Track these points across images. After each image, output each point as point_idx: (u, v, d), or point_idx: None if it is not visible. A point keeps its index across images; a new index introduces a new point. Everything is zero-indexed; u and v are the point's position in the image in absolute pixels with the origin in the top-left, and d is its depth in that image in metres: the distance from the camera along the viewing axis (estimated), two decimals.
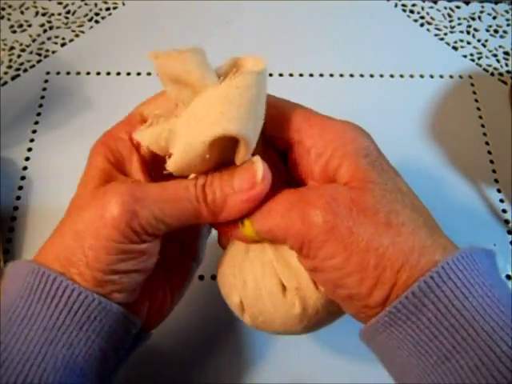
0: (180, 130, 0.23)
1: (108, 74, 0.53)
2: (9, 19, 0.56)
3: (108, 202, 0.23)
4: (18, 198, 0.45)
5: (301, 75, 0.53)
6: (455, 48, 0.55)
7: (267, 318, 0.27)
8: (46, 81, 0.52)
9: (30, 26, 0.56)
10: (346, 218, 0.22)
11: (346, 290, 0.23)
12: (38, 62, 0.53)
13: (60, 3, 0.57)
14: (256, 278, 0.27)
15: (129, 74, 0.53)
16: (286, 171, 0.28)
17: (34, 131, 0.48)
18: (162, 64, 0.24)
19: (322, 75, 0.53)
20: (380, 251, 0.22)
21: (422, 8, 0.58)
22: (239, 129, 0.22)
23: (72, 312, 0.23)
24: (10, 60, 0.53)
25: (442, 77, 0.53)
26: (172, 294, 0.30)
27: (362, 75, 0.52)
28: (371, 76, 0.53)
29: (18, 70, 0.52)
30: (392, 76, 0.53)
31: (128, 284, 0.24)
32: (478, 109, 0.51)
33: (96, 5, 0.57)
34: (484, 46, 0.55)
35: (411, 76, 0.53)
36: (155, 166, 0.26)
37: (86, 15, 0.57)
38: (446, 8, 0.58)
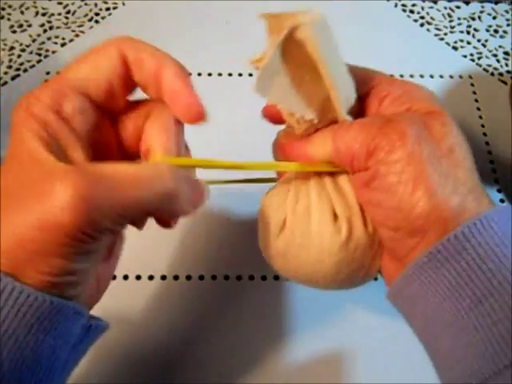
0: None
1: None
2: (9, 19, 0.56)
3: (58, 198, 0.20)
4: None
5: None
6: (455, 48, 0.55)
7: (305, 241, 0.27)
8: (46, 81, 0.52)
9: (30, 26, 0.56)
10: (416, 132, 0.24)
11: (396, 198, 0.23)
12: (38, 62, 0.53)
13: (60, 3, 0.57)
14: (310, 200, 0.27)
15: None
16: None
17: None
18: (271, 22, 0.24)
19: None
20: (438, 169, 0.23)
21: (422, 8, 0.58)
22: None
23: (20, 315, 0.21)
24: (10, 60, 0.53)
25: (441, 77, 0.53)
26: (106, 269, 0.28)
27: None
28: None
29: (18, 70, 0.52)
30: (392, 76, 0.53)
31: (83, 279, 0.23)
32: (478, 109, 0.51)
33: (96, 5, 0.57)
34: (484, 45, 0.55)
35: (411, 76, 0.53)
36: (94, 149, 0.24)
37: (86, 15, 0.57)
38: (446, 8, 0.58)
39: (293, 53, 0.23)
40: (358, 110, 0.28)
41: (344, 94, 0.25)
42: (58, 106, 0.24)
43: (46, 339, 0.22)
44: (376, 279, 0.29)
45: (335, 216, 0.27)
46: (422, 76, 0.53)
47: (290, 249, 0.27)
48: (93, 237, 0.22)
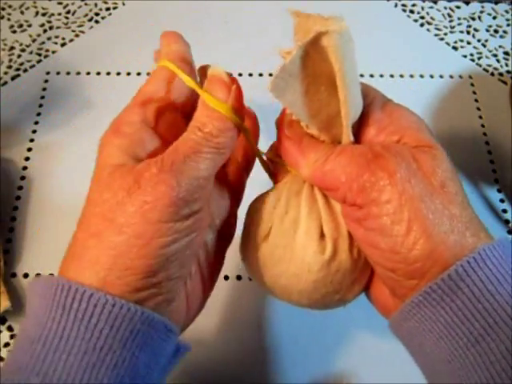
0: None
1: (108, 73, 0.53)
2: (9, 19, 0.56)
3: (145, 187, 0.22)
4: (18, 197, 0.45)
5: None
6: (455, 48, 0.55)
7: (287, 254, 0.26)
8: (46, 81, 0.52)
9: (30, 26, 0.56)
10: (406, 170, 0.23)
11: (391, 240, 0.23)
12: (38, 62, 0.53)
13: (60, 3, 0.57)
14: (299, 213, 0.27)
15: (129, 74, 0.53)
16: None
17: (34, 131, 0.48)
18: (300, 22, 0.24)
19: None
20: (431, 207, 0.22)
21: (422, 8, 0.58)
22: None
23: (114, 329, 0.21)
24: (10, 60, 0.53)
25: (441, 77, 0.53)
26: (204, 290, 0.28)
27: (362, 75, 0.52)
28: (371, 76, 0.53)
29: (18, 69, 0.52)
30: (392, 76, 0.53)
31: (169, 295, 0.23)
32: (478, 109, 0.51)
33: (96, 5, 0.57)
34: (484, 45, 0.55)
35: (411, 76, 0.53)
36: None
37: (86, 15, 0.57)
38: (446, 8, 0.58)
39: (314, 59, 0.23)
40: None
41: (354, 112, 0.25)
42: (144, 115, 0.26)
43: (140, 356, 0.22)
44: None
45: (322, 234, 0.26)
46: (421, 76, 0.53)
47: (270, 259, 0.27)
48: (186, 202, 0.22)
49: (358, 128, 0.26)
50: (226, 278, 0.41)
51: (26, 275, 0.41)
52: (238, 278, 0.41)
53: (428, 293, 0.22)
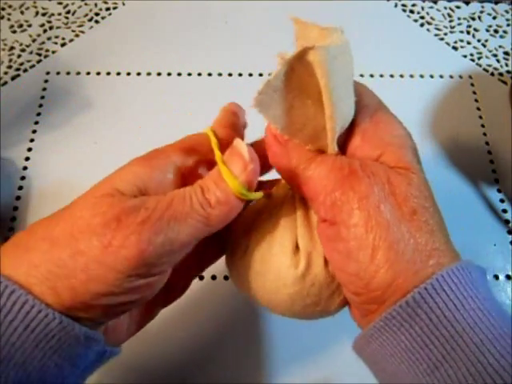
0: None
1: (108, 73, 0.53)
2: (9, 19, 0.56)
3: (120, 230, 0.22)
4: (18, 197, 0.45)
5: None
6: (455, 48, 0.55)
7: (264, 267, 0.26)
8: (46, 81, 0.52)
9: (30, 26, 0.56)
10: (377, 194, 0.23)
11: (356, 265, 0.23)
12: (38, 62, 0.53)
13: (60, 3, 0.57)
14: (277, 226, 0.27)
15: (129, 74, 0.53)
16: None
17: (34, 131, 0.48)
18: (300, 28, 0.24)
19: None
20: (398, 236, 0.22)
21: (422, 8, 0.58)
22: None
23: (29, 329, 0.21)
24: (10, 60, 0.53)
25: (441, 77, 0.53)
26: (143, 316, 0.29)
27: (362, 75, 0.52)
28: (371, 76, 0.53)
29: (18, 70, 0.52)
30: (392, 76, 0.53)
31: (104, 319, 0.24)
32: (478, 109, 0.51)
33: (96, 5, 0.57)
34: (484, 46, 0.55)
35: (411, 76, 0.53)
36: None
37: (86, 15, 0.57)
38: (446, 8, 0.58)
39: (300, 73, 0.23)
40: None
41: (341, 126, 0.24)
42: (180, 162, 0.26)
43: (53, 357, 0.22)
44: None
45: (297, 247, 0.26)
46: (422, 76, 0.53)
47: (249, 273, 0.27)
48: (151, 265, 0.22)
49: (347, 134, 0.26)
50: (214, 277, 0.41)
51: None
52: (226, 278, 0.41)
53: (388, 318, 0.22)
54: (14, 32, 0.55)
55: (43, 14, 0.57)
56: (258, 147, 0.25)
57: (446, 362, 0.21)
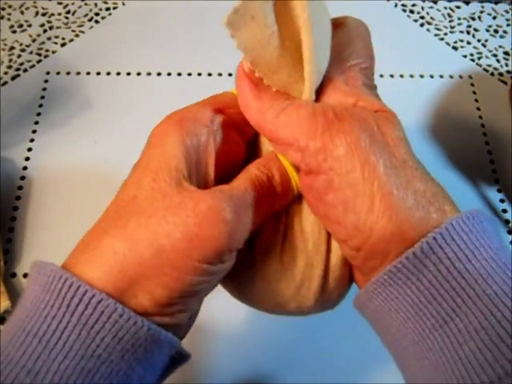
0: None
1: (108, 74, 0.53)
2: (9, 19, 0.56)
3: (208, 221, 0.20)
4: (18, 197, 0.45)
5: None
6: (455, 48, 0.55)
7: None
8: (46, 81, 0.52)
9: (30, 26, 0.56)
10: (369, 139, 0.21)
11: (354, 216, 0.21)
12: (38, 61, 0.53)
13: (60, 3, 0.57)
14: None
15: (129, 73, 0.53)
16: None
17: (34, 131, 0.48)
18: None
19: None
20: (396, 182, 0.21)
21: (422, 8, 0.58)
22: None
23: (116, 339, 0.20)
24: (10, 60, 0.53)
25: (441, 77, 0.53)
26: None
27: None
28: None
29: (18, 70, 0.52)
30: (392, 76, 0.53)
31: (187, 314, 0.23)
32: (478, 109, 0.51)
33: (96, 5, 0.57)
34: (484, 46, 0.55)
35: (411, 76, 0.53)
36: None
37: (86, 15, 0.57)
38: (446, 8, 0.58)
39: (284, 10, 0.21)
40: None
41: (317, 75, 0.23)
42: (210, 122, 0.24)
43: (136, 368, 0.21)
44: None
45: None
46: (422, 76, 0.53)
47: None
48: (230, 252, 0.22)
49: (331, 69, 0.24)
50: None
51: (25, 275, 0.41)
52: None
53: (393, 272, 0.21)
54: (14, 32, 0.55)
55: (43, 14, 0.57)
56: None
57: (456, 316, 0.20)
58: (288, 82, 0.23)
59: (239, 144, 0.25)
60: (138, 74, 0.53)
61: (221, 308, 0.35)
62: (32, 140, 0.48)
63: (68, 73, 0.52)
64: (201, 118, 0.23)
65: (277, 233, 0.25)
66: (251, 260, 0.25)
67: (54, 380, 0.19)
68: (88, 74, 0.52)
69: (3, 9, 0.57)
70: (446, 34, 0.56)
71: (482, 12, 0.58)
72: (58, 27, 0.56)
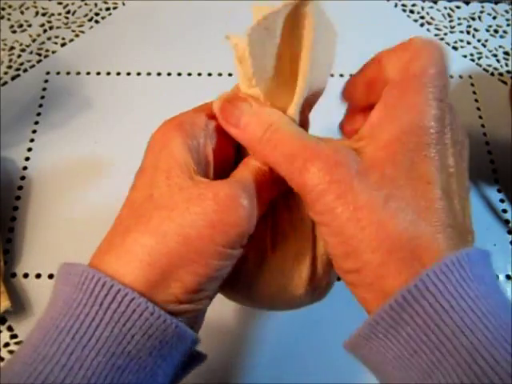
0: None
1: (108, 74, 0.53)
2: (9, 19, 0.56)
3: (229, 208, 0.21)
4: (18, 197, 0.45)
5: None
6: (455, 48, 0.55)
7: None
8: (46, 81, 0.52)
9: (30, 26, 0.56)
10: (348, 178, 0.21)
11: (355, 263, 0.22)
12: (38, 61, 0.53)
13: (60, 3, 0.57)
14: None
15: (129, 73, 0.53)
16: None
17: (34, 131, 0.48)
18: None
19: None
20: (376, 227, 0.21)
21: (422, 8, 0.58)
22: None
23: (145, 336, 0.21)
24: (10, 60, 0.53)
25: None
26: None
27: None
28: None
29: (18, 70, 0.52)
30: None
31: (210, 300, 0.24)
32: (478, 109, 0.51)
33: (96, 5, 0.57)
34: (484, 46, 0.55)
35: None
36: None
37: (86, 15, 0.57)
38: (446, 8, 0.58)
39: (294, 21, 0.22)
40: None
41: (308, 89, 0.24)
42: (205, 126, 0.25)
43: (162, 365, 0.22)
44: None
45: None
46: None
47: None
48: (241, 244, 0.23)
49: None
50: None
51: (25, 275, 0.41)
52: None
53: (372, 325, 0.21)
54: (14, 32, 0.55)
55: (43, 14, 0.57)
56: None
57: (437, 370, 0.19)
58: (276, 92, 0.24)
59: (229, 146, 0.27)
60: (138, 74, 0.52)
61: (221, 308, 0.35)
62: (32, 140, 0.48)
63: (68, 73, 0.52)
64: (198, 122, 0.25)
65: (265, 225, 0.26)
66: (244, 256, 0.26)
67: (87, 375, 0.20)
68: (88, 74, 0.52)
69: (3, 9, 0.57)
70: (445, 34, 0.56)
71: (482, 12, 0.58)
72: (58, 27, 0.56)
